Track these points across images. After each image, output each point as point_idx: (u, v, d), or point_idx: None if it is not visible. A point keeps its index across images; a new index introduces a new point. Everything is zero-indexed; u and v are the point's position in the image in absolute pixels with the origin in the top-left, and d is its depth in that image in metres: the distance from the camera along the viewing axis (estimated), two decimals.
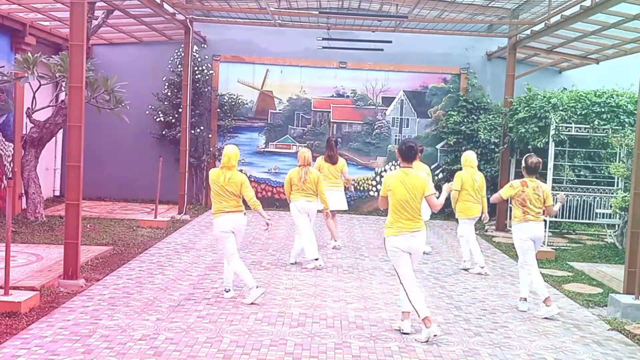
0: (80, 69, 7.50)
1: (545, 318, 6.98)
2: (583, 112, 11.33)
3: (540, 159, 7.43)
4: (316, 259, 8.99)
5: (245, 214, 7.42)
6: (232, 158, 7.41)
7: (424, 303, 6.23)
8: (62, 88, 11.72)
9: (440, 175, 14.89)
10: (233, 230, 7.28)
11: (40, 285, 7.18)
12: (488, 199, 8.96)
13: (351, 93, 15.16)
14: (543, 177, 11.61)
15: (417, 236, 6.22)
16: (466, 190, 9.18)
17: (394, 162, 15.12)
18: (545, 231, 11.44)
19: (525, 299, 7.38)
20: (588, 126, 11.35)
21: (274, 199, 15.09)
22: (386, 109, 15.20)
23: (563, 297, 8.01)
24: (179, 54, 14.59)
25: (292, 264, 9.24)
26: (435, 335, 6.08)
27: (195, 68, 14.43)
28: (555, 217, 11.60)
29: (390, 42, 13.89)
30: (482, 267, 9.10)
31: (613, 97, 11.42)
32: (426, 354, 5.72)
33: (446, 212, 13.49)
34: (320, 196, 9.26)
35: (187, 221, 12.66)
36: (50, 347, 5.47)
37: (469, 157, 9.39)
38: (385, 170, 15.10)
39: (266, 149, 15.20)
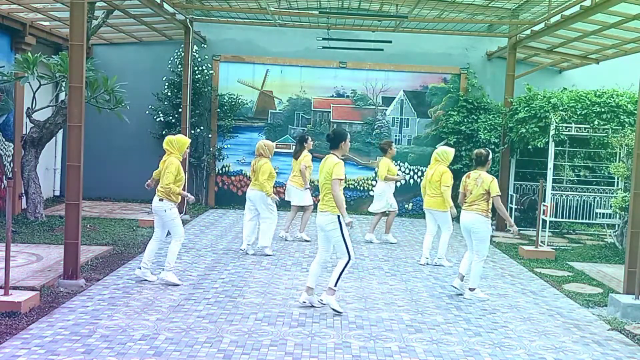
0: (80, 69, 7.50)
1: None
2: (583, 112, 11.32)
3: (482, 151, 7.95)
4: (244, 250, 9.80)
5: (161, 199, 7.80)
6: (166, 143, 8.00)
7: (314, 277, 7.08)
8: (62, 88, 11.72)
9: None
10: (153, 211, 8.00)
11: (40, 285, 7.18)
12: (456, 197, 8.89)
13: (351, 93, 15.16)
14: (543, 177, 11.66)
15: (320, 215, 7.01)
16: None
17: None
18: (546, 230, 11.50)
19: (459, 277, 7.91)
20: (588, 126, 11.35)
21: None
22: (386, 109, 15.21)
23: (563, 297, 8.01)
24: (179, 54, 14.59)
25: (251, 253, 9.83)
26: (305, 302, 6.99)
27: (195, 68, 14.43)
28: (555, 217, 11.63)
29: (390, 42, 13.89)
30: (426, 258, 9.60)
31: (613, 97, 11.41)
32: (426, 354, 5.72)
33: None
34: (260, 185, 9.72)
35: (187, 221, 12.65)
36: (50, 347, 5.47)
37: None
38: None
39: None
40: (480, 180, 7.71)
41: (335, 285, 6.91)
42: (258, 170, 9.70)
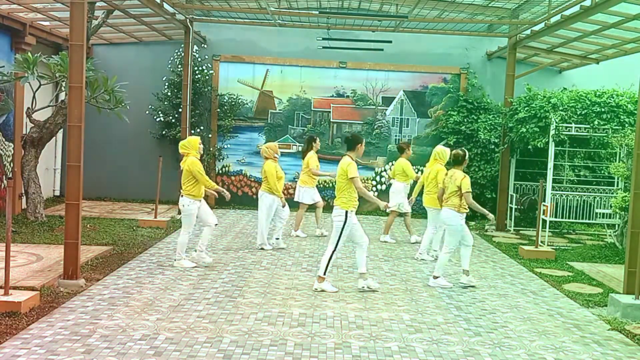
0: (80, 69, 7.50)
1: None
2: (583, 112, 11.33)
3: (459, 151, 8.46)
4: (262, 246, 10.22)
5: (182, 196, 8.76)
6: (181, 147, 8.88)
7: (362, 263, 7.93)
8: (62, 88, 11.72)
9: None
10: None
11: (40, 285, 7.18)
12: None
13: (351, 93, 15.16)
14: (543, 177, 11.66)
15: (333, 209, 7.80)
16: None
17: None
18: (546, 230, 11.50)
19: (467, 272, 8.37)
20: (588, 126, 11.35)
21: None
22: (386, 109, 15.21)
23: (563, 297, 8.01)
24: (179, 54, 14.59)
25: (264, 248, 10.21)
26: (364, 287, 7.81)
27: (195, 68, 14.43)
28: (555, 217, 11.63)
29: (390, 42, 13.89)
30: (434, 251, 9.90)
31: (613, 97, 11.42)
32: (426, 354, 5.72)
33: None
34: (271, 186, 10.17)
35: None
36: (50, 347, 5.47)
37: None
38: (385, 170, 15.13)
39: None
40: (454, 178, 8.21)
41: (324, 274, 7.75)
42: (263, 173, 10.18)
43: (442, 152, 9.91)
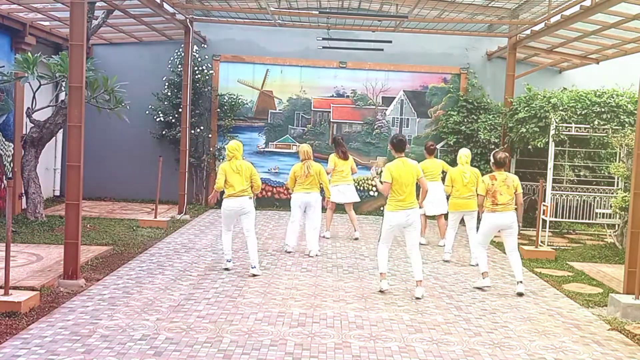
0: (80, 69, 7.50)
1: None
2: (583, 112, 11.32)
3: (507, 154, 8.25)
4: (288, 252, 9.99)
5: (250, 198, 8.59)
6: (232, 150, 8.59)
7: (384, 263, 7.88)
8: (62, 88, 11.72)
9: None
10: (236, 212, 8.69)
11: (40, 285, 7.18)
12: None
13: (351, 93, 15.16)
14: (543, 177, 11.66)
15: (411, 212, 7.62)
16: (455, 187, 9.72)
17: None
18: (546, 230, 11.50)
19: (486, 275, 8.22)
20: (588, 126, 11.35)
21: (273, 199, 15.10)
22: (386, 109, 15.21)
23: (563, 297, 8.01)
24: (179, 54, 14.59)
25: (288, 252, 10.04)
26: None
27: (195, 68, 14.43)
28: (555, 217, 11.62)
29: (390, 42, 13.89)
30: (449, 254, 9.90)
31: (613, 97, 11.41)
32: (426, 354, 5.72)
33: None
34: (324, 186, 10.03)
35: (187, 221, 12.66)
36: (50, 347, 5.47)
37: (459, 154, 9.99)
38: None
39: (266, 149, 15.20)
40: (510, 180, 8.05)
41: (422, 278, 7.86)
42: (318, 173, 9.83)
43: (469, 154, 9.95)
